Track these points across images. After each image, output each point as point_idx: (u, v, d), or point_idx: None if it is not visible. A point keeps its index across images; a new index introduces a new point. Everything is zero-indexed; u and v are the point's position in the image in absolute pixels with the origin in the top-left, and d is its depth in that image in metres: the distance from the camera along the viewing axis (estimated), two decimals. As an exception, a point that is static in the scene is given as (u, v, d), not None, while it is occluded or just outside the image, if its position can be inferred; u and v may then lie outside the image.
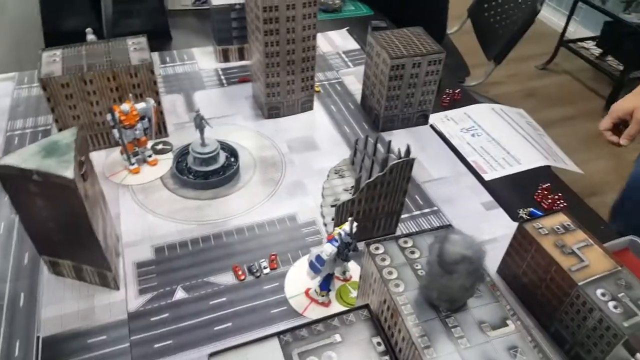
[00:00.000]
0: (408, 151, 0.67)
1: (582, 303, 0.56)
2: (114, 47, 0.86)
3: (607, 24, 2.73)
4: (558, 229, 0.63)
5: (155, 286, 0.65)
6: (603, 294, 0.55)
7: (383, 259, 0.52)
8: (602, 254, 0.60)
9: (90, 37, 0.94)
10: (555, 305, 0.60)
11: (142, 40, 0.88)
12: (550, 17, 3.36)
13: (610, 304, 0.54)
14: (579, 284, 0.56)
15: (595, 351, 0.56)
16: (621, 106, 0.82)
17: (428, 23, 1.64)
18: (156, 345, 0.59)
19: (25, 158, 0.54)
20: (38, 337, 0.59)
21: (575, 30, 3.11)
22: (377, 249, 0.54)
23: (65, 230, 0.59)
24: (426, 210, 0.80)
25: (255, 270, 0.68)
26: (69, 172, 0.52)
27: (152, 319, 0.61)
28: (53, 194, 0.54)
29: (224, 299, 0.64)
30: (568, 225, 0.63)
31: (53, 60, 0.82)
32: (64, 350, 0.57)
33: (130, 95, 0.80)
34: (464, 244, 0.42)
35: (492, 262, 0.71)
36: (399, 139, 0.94)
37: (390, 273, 0.51)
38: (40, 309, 0.62)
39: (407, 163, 0.66)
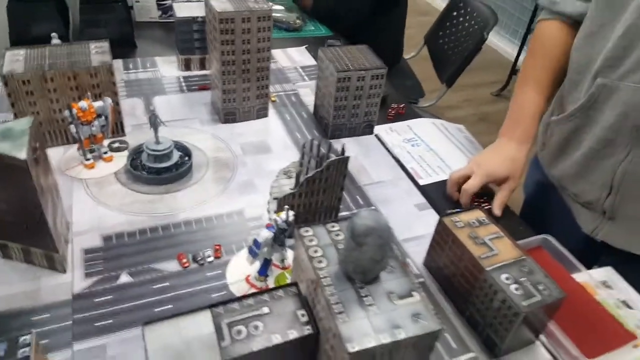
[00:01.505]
0: (343, 151, 0.74)
1: (489, 286, 0.63)
2: (77, 50, 0.91)
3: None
4: (473, 222, 0.70)
5: (100, 270, 0.69)
6: (507, 278, 0.63)
7: (311, 240, 0.58)
8: (510, 245, 0.68)
9: (55, 41, 0.98)
10: (469, 290, 0.67)
11: (105, 44, 0.93)
12: (505, 47, 3.59)
13: (513, 287, 0.61)
14: (487, 269, 0.63)
15: (501, 330, 0.63)
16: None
17: (384, 46, 1.77)
18: (97, 324, 0.62)
19: (-20, 141, 0.58)
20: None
21: (528, 61, 3.32)
22: (306, 231, 0.59)
23: (16, 212, 0.62)
24: (365, 209, 0.87)
25: (199, 259, 0.73)
26: (21, 154, 0.57)
27: (96, 300, 0.65)
28: (5, 176, 0.58)
29: (167, 283, 0.69)
30: (482, 220, 0.71)
31: (16, 59, 0.86)
32: (8, 326, 0.60)
33: (89, 94, 0.85)
34: (371, 218, 0.48)
35: (421, 255, 0.78)
36: (346, 146, 1.01)
37: (316, 252, 0.57)
38: (-12, 289, 0.64)
39: (342, 161, 0.73)
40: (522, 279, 0.63)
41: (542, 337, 0.68)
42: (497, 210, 0.88)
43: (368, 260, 0.51)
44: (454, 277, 0.70)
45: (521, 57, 3.14)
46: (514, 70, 3.08)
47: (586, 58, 0.80)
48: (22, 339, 0.49)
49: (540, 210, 1.02)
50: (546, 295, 0.61)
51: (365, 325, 0.49)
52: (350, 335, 0.48)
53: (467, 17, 1.94)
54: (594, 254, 0.88)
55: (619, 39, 0.72)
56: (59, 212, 0.70)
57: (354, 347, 0.47)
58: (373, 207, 0.88)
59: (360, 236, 0.49)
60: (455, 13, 1.99)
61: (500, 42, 3.64)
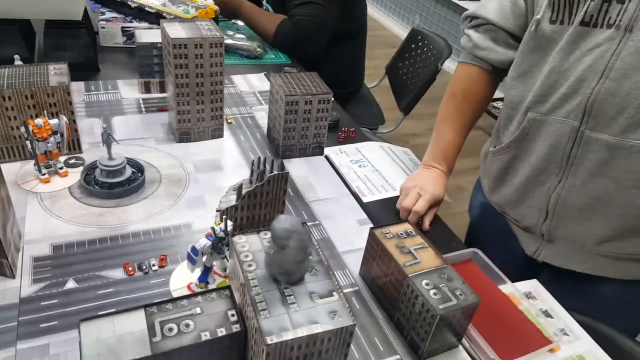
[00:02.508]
0: (282, 167, 0.80)
1: (411, 291, 0.69)
2: (36, 71, 0.95)
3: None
4: (401, 234, 0.77)
5: (48, 277, 0.72)
6: (427, 284, 0.68)
7: (243, 246, 0.64)
8: (433, 255, 0.74)
9: (18, 62, 1.03)
10: (396, 296, 0.73)
11: (63, 66, 0.98)
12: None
13: (432, 292, 0.67)
14: (409, 275, 0.69)
15: (422, 333, 0.68)
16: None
17: (344, 75, 1.86)
18: (42, 325, 0.65)
19: None
20: None
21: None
22: (240, 239, 0.65)
23: (-35, 219, 0.66)
24: (310, 223, 0.93)
25: (144, 267, 0.77)
26: (-29, 164, 0.61)
27: (42, 303, 0.68)
28: (-45, 184, 0.62)
29: (111, 289, 0.72)
30: (410, 232, 0.78)
31: (-25, 78, 0.90)
32: (-48, 327, 0.62)
33: (45, 112, 0.89)
34: (288, 221, 0.54)
35: (358, 266, 0.83)
36: (296, 166, 1.08)
37: (247, 256, 0.62)
38: None
39: (281, 176, 0.79)
40: (441, 285, 0.68)
41: (465, 341, 0.73)
42: (427, 225, 0.95)
43: (291, 262, 0.57)
44: (384, 285, 0.76)
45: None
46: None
47: (519, 95, 0.88)
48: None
49: (484, 231, 1.09)
50: (462, 300, 0.66)
51: (285, 321, 0.54)
52: (270, 329, 0.53)
53: (424, 49, 2.07)
54: (535, 271, 0.95)
55: (545, 78, 0.81)
56: (10, 221, 0.73)
57: (272, 340, 0.52)
58: (317, 222, 0.93)
59: (281, 239, 0.54)
60: (413, 45, 2.12)
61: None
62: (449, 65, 1.97)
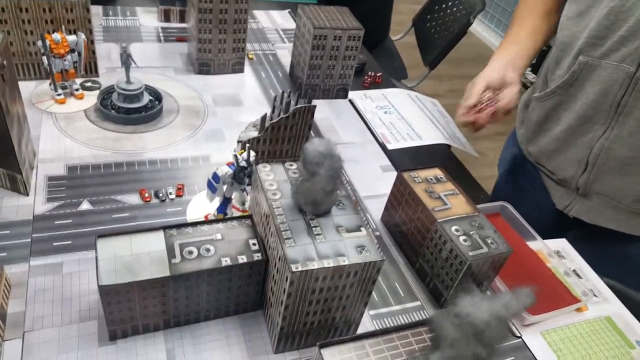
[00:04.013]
0: (310, 100, 0.76)
1: (439, 237, 0.65)
2: (54, -16, 0.89)
3: (543, 52, 2.99)
4: (431, 179, 0.73)
5: (63, 197, 0.70)
6: (457, 230, 0.65)
7: (268, 175, 0.60)
8: (464, 202, 0.70)
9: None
10: (420, 241, 0.70)
11: (83, -18, 0.92)
12: (494, 41, 3.62)
13: (461, 238, 0.64)
14: (438, 220, 0.65)
15: (447, 280, 0.66)
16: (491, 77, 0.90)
17: (370, 21, 1.77)
18: (55, 244, 0.63)
19: (-57, 52, 0.58)
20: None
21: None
22: (264, 167, 0.61)
23: (-22, 128, 0.62)
24: (331, 166, 0.89)
25: (161, 195, 0.74)
26: (-15, 66, 0.57)
27: (56, 222, 0.66)
28: (-32, 88, 0.58)
29: (127, 214, 0.70)
30: (440, 177, 0.74)
31: (-11, -13, 0.85)
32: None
33: (63, 27, 0.84)
34: (323, 145, 0.50)
35: (379, 212, 0.80)
36: (319, 108, 1.02)
37: (271, 185, 0.59)
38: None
39: (308, 109, 0.75)
40: (472, 232, 0.65)
41: (488, 293, 0.70)
42: (504, 110, 0.88)
43: (319, 191, 0.53)
44: (408, 230, 0.72)
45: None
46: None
47: (571, 36, 0.81)
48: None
49: (513, 185, 1.05)
50: (493, 249, 0.63)
51: (310, 251, 0.51)
52: (295, 258, 0.50)
53: (456, 2, 1.95)
54: (564, 229, 0.91)
55: (603, 19, 0.74)
56: (25, 137, 0.70)
57: (297, 268, 0.49)
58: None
59: (312, 164, 0.50)
60: (443, -3, 2.00)
61: (490, 36, 3.67)
62: (476, 27, 1.86)
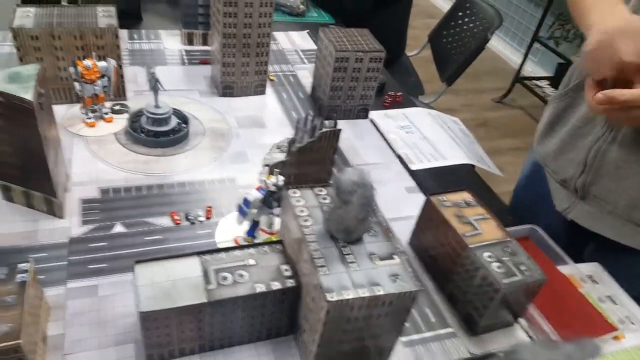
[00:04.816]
0: (335, 123, 0.77)
1: (471, 263, 0.64)
2: (84, 12, 0.92)
3: (560, 66, 2.99)
4: (460, 203, 0.73)
5: (97, 219, 0.72)
6: (489, 256, 0.63)
7: (298, 201, 0.61)
8: (495, 227, 0.69)
9: (64, 2, 1.00)
10: (451, 267, 0.68)
11: (111, 9, 0.95)
12: (510, 55, 3.63)
13: (494, 264, 0.62)
14: (470, 246, 0.64)
15: (480, 307, 0.64)
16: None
17: (386, 39, 1.79)
18: (90, 266, 0.65)
19: (-11, 82, 0.60)
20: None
21: (533, 70, 3.38)
22: (294, 193, 0.62)
23: (20, 154, 0.65)
24: (354, 187, 0.90)
25: (191, 217, 0.75)
26: (28, 96, 0.59)
27: (91, 245, 0.68)
28: (12, 116, 0.60)
29: (159, 236, 0.71)
30: (470, 201, 0.73)
31: (26, 15, 0.88)
32: (7, 260, 0.62)
33: (94, 54, 0.87)
34: (356, 174, 0.51)
35: (406, 235, 0.80)
36: (340, 127, 1.04)
37: (302, 211, 0.60)
38: (-11, 227, 0.67)
39: (333, 133, 0.76)
40: (505, 258, 0.64)
41: (521, 320, 0.69)
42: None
43: (351, 219, 0.54)
44: (438, 255, 0.72)
45: (526, 66, 3.17)
46: (517, 78, 3.11)
47: None
48: (20, 266, 0.52)
49: (532, 194, 1.05)
50: (527, 276, 0.62)
51: (345, 279, 0.52)
52: (330, 287, 0.51)
53: (472, 18, 1.97)
54: (580, 243, 0.91)
55: None
56: (60, 160, 0.72)
57: (332, 297, 0.50)
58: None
59: (345, 192, 0.51)
60: (460, 13, 2.02)
61: (505, 50, 3.68)
62: (492, 40, 1.87)
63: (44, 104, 0.65)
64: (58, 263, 0.64)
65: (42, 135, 0.62)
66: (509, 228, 0.81)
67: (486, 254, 0.64)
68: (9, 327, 0.47)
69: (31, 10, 0.90)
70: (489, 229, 0.68)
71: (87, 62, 0.84)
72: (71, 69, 0.84)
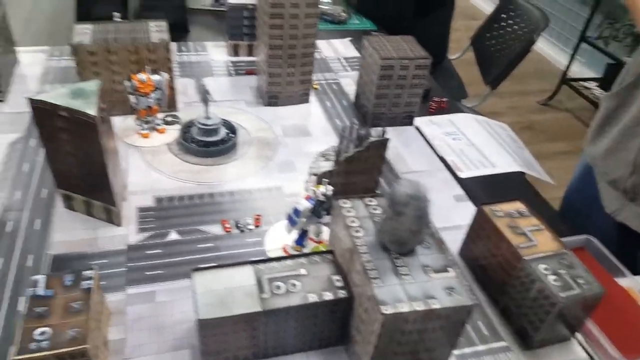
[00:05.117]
0: (383, 133, 0.76)
1: (527, 276, 0.62)
2: (138, 27, 0.97)
3: (610, 66, 2.86)
4: (513, 213, 0.71)
5: (153, 227, 0.74)
6: (546, 269, 0.61)
7: (349, 211, 0.61)
8: (550, 238, 0.66)
9: (117, 19, 1.05)
10: (505, 279, 0.66)
11: (163, 24, 0.99)
12: (555, 56, 3.50)
13: (551, 277, 0.60)
14: (525, 258, 0.62)
15: (535, 321, 0.62)
16: None
17: (428, 44, 1.77)
18: (148, 273, 0.67)
19: (55, 97, 0.64)
20: (48, 255, 0.68)
21: (580, 71, 3.25)
22: (344, 203, 0.62)
23: (83, 165, 0.68)
24: (401, 196, 0.89)
25: (240, 225, 0.77)
26: (92, 111, 0.62)
27: (147, 252, 0.70)
28: (76, 130, 0.64)
29: (211, 244, 0.73)
30: (523, 211, 0.71)
31: (84, 32, 0.93)
32: (69, 267, 0.66)
33: (147, 67, 0.91)
34: (411, 186, 0.51)
35: (456, 245, 0.79)
36: (387, 137, 1.04)
37: (353, 222, 0.60)
38: (52, 233, 0.71)
39: (381, 142, 0.76)
40: (561, 271, 0.61)
41: (578, 335, 0.67)
42: None
43: (405, 231, 0.53)
44: (490, 266, 0.70)
45: (573, 67, 3.06)
46: (564, 80, 3.00)
47: None
48: (85, 273, 0.55)
49: (583, 197, 1.02)
50: (585, 289, 0.59)
51: (399, 292, 0.52)
52: (384, 299, 0.51)
53: (517, 20, 1.91)
54: (631, 246, 0.87)
55: None
56: (118, 171, 0.76)
57: (387, 310, 0.49)
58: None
59: (399, 204, 0.51)
60: (503, 15, 1.97)
61: (551, 51, 3.56)
62: (537, 43, 1.81)
63: (104, 117, 0.68)
64: (117, 269, 0.67)
65: (103, 148, 0.65)
66: (565, 238, 0.78)
67: (542, 266, 0.62)
68: (76, 332, 0.49)
69: (88, 27, 0.95)
70: (544, 241, 0.66)
71: (142, 76, 0.88)
72: (127, 83, 0.88)
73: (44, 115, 0.64)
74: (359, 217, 0.61)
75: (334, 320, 0.58)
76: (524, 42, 1.80)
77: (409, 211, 0.51)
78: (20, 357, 0.47)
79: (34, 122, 0.66)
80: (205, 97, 0.88)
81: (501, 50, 1.95)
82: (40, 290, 0.52)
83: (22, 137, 0.90)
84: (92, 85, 0.67)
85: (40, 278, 0.53)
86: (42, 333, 0.48)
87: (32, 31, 1.28)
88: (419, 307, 0.50)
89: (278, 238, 0.76)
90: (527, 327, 0.64)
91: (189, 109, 1.03)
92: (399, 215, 0.52)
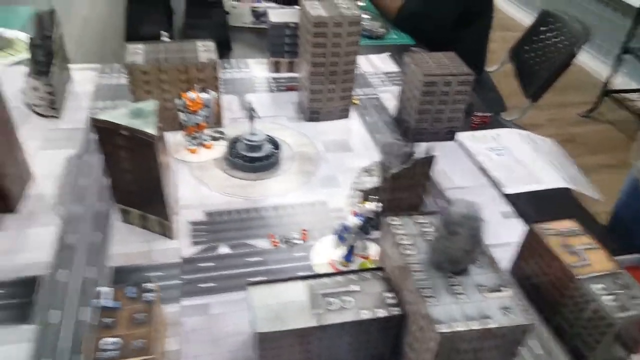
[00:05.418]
0: (429, 150, 0.77)
1: (581, 295, 0.61)
2: (186, 47, 1.00)
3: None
4: (565, 232, 0.70)
5: (204, 241, 0.77)
6: (601, 289, 0.60)
7: (398, 229, 0.62)
8: (604, 257, 0.65)
9: (165, 39, 1.10)
10: (557, 299, 0.65)
11: (210, 44, 1.02)
12: (595, 67, 3.41)
13: (607, 297, 0.59)
14: (578, 277, 0.62)
15: (590, 342, 0.61)
16: None
17: (466, 57, 1.77)
18: (201, 285, 0.69)
19: (116, 116, 0.67)
20: (106, 266, 0.71)
21: (622, 82, 3.15)
22: (393, 220, 0.63)
23: (140, 181, 0.71)
24: (445, 212, 0.89)
25: (287, 240, 0.78)
26: (151, 130, 0.65)
27: (200, 265, 0.73)
28: (136, 148, 0.67)
29: (260, 258, 0.75)
30: (575, 230, 0.70)
31: (136, 52, 0.97)
32: (129, 278, 0.69)
33: (196, 86, 0.94)
34: (466, 207, 0.51)
35: (505, 262, 0.77)
36: (434, 154, 1.03)
37: (402, 240, 0.60)
38: (111, 246, 0.75)
39: (428, 160, 0.76)
40: (617, 291, 0.60)
41: (634, 357, 0.64)
42: None
43: (458, 250, 0.53)
44: (542, 285, 0.69)
45: (617, 80, 2.97)
46: (605, 91, 2.92)
47: None
48: (146, 285, 0.57)
49: (632, 212, 0.99)
50: None
51: (455, 311, 0.52)
52: (440, 318, 0.51)
53: (556, 32, 1.89)
54: None
55: None
56: (171, 186, 0.79)
57: (443, 329, 0.49)
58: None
59: (454, 224, 0.51)
60: (543, 28, 1.94)
61: (591, 62, 3.47)
62: (578, 55, 1.78)
63: (161, 136, 0.71)
64: (172, 282, 0.69)
65: (160, 165, 0.68)
66: (618, 257, 0.76)
67: (597, 286, 0.61)
68: (142, 343, 0.51)
69: (140, 47, 0.99)
70: (598, 260, 0.65)
71: (192, 95, 0.91)
72: (177, 101, 0.91)
73: (106, 134, 0.68)
74: (409, 234, 0.61)
75: (387, 337, 0.58)
76: (565, 55, 1.77)
77: (463, 231, 0.52)
78: (90, 366, 0.49)
79: (96, 140, 0.69)
80: (251, 114, 0.91)
81: (541, 63, 1.92)
82: (109, 302, 0.54)
83: (77, 152, 0.95)
84: (150, 105, 0.71)
85: (108, 290, 0.56)
86: (113, 343, 0.51)
87: (83, 49, 1.34)
88: (475, 326, 0.50)
89: (324, 253, 0.77)
90: (582, 348, 0.63)
91: (233, 125, 1.06)
92: (452, 235, 0.52)
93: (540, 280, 0.69)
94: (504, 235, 0.82)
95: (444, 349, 0.50)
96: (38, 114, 1.04)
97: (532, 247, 0.70)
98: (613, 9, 3.22)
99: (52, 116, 1.04)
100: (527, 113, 1.91)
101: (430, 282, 0.54)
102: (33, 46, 1.08)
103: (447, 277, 0.55)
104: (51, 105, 1.04)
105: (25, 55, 1.21)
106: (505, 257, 0.77)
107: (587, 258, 0.65)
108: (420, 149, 0.79)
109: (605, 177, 1.27)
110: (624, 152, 2.65)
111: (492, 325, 0.50)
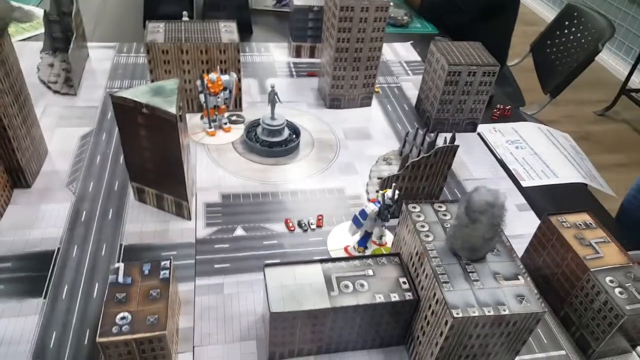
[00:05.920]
0: (453, 139, 0.76)
1: (592, 287, 0.62)
2: (208, 27, 1.00)
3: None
4: (580, 224, 0.69)
5: (219, 222, 0.77)
6: (611, 281, 0.61)
7: (418, 216, 0.61)
8: (617, 251, 0.65)
9: (185, 19, 1.09)
10: (568, 289, 0.66)
11: (232, 24, 1.02)
12: (615, 65, 3.34)
13: (617, 290, 0.60)
14: (591, 269, 0.62)
15: (597, 332, 0.62)
16: None
17: (489, 50, 1.74)
18: (216, 266, 0.70)
19: (137, 94, 0.68)
20: (121, 245, 0.72)
21: (640, 81, 3.08)
22: (414, 207, 0.62)
23: (158, 160, 0.72)
24: (462, 203, 0.88)
25: (303, 225, 0.78)
26: (172, 109, 0.65)
27: (215, 246, 0.73)
28: (156, 126, 0.67)
29: (275, 241, 0.75)
30: (590, 223, 0.69)
31: (157, 30, 0.97)
32: (140, 257, 0.69)
33: (218, 67, 0.94)
34: (490, 195, 0.50)
35: (519, 254, 0.77)
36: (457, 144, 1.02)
37: (422, 227, 0.60)
38: (124, 224, 0.75)
39: (450, 149, 0.75)
40: (628, 284, 0.61)
41: (639, 349, 0.65)
42: None
43: (478, 238, 0.53)
44: (553, 276, 0.69)
45: (634, 77, 2.90)
46: (623, 90, 2.85)
47: None
48: (163, 262, 0.57)
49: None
50: None
51: (469, 297, 0.51)
52: (455, 303, 0.50)
53: (580, 28, 1.84)
54: None
55: None
56: (189, 167, 0.79)
57: (458, 313, 0.49)
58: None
59: (476, 212, 0.51)
60: (567, 22, 1.90)
61: (611, 60, 3.39)
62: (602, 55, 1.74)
63: (182, 115, 0.71)
64: (187, 261, 0.70)
65: (181, 144, 0.68)
66: (631, 252, 0.75)
67: (608, 279, 0.61)
68: (155, 319, 0.52)
69: (160, 25, 0.99)
70: (611, 253, 0.65)
71: (212, 76, 0.91)
72: (198, 82, 0.91)
73: (125, 112, 0.68)
74: (428, 222, 0.60)
75: (398, 320, 0.58)
76: (588, 51, 1.73)
77: (485, 219, 0.51)
78: (103, 339, 0.50)
79: (115, 117, 0.69)
80: (273, 98, 0.90)
81: (562, 58, 1.88)
82: (120, 278, 0.55)
83: (92, 130, 0.95)
84: (171, 84, 0.71)
85: (121, 266, 0.56)
86: (123, 318, 0.51)
87: (101, 28, 1.35)
88: (489, 312, 0.49)
89: (340, 238, 0.76)
90: (588, 338, 0.63)
91: (252, 109, 1.06)
92: (474, 222, 0.52)
93: (552, 271, 0.68)
94: (518, 227, 0.81)
95: (456, 332, 0.50)
96: (54, 90, 1.04)
97: (545, 237, 0.69)
98: (639, 6, 3.13)
99: (68, 93, 1.04)
100: (544, 109, 1.88)
101: (446, 268, 0.54)
102: (49, 22, 1.08)
103: (465, 264, 0.55)
104: (67, 82, 1.05)
105: (39, 30, 1.21)
106: (518, 248, 0.76)
107: (600, 251, 0.65)
108: (441, 139, 0.79)
109: (619, 176, 1.24)
110: (638, 152, 2.60)
111: (506, 312, 0.50)
